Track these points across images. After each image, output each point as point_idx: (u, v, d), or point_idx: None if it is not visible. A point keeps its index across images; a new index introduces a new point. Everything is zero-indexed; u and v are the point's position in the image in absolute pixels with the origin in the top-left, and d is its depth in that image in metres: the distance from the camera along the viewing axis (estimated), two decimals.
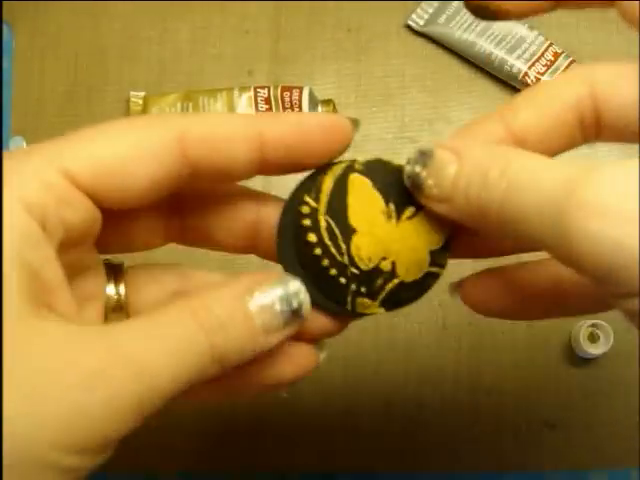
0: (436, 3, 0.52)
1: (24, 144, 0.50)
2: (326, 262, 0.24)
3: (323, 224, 0.23)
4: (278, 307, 0.22)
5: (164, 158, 0.21)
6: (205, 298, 0.21)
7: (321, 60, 0.52)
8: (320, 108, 0.50)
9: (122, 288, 0.25)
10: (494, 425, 0.47)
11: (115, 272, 0.25)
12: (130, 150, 0.21)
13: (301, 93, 0.49)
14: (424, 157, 0.22)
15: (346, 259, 0.23)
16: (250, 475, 0.48)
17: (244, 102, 0.50)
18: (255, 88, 0.50)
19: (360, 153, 0.24)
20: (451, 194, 0.22)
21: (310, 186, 0.24)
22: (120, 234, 0.24)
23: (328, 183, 0.24)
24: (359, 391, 0.48)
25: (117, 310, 0.25)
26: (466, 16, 0.51)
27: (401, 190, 0.23)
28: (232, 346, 0.21)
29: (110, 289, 0.25)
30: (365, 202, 0.23)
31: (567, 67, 0.50)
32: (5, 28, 0.53)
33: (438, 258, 0.24)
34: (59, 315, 0.20)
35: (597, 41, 0.52)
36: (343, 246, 0.23)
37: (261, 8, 0.53)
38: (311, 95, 0.50)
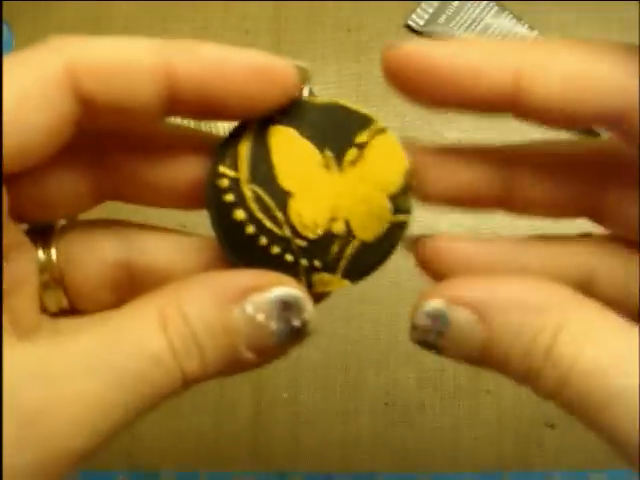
0: (436, 3, 0.52)
1: None
2: (264, 240, 0.19)
3: (249, 195, 0.19)
4: (274, 325, 0.18)
5: (54, 98, 0.17)
6: (179, 299, 0.17)
7: (321, 60, 0.52)
8: None
9: (53, 253, 0.20)
10: (494, 425, 0.47)
11: (43, 239, 0.20)
12: (12, 96, 0.17)
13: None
14: (437, 323, 0.18)
15: (287, 231, 0.19)
16: (250, 475, 0.48)
17: None
18: None
19: None
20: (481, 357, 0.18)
21: (225, 153, 0.19)
22: (35, 200, 0.20)
23: (245, 144, 0.19)
24: (359, 391, 0.48)
25: (51, 286, 0.20)
26: (466, 16, 0.51)
27: (335, 129, 0.19)
28: (209, 370, 0.18)
29: (40, 257, 0.20)
30: (295, 156, 0.19)
31: None
32: (5, 28, 0.52)
33: (401, 202, 0.20)
34: None
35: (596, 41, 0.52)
36: (280, 216, 0.19)
37: (261, 8, 0.53)
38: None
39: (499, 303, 0.17)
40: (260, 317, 0.18)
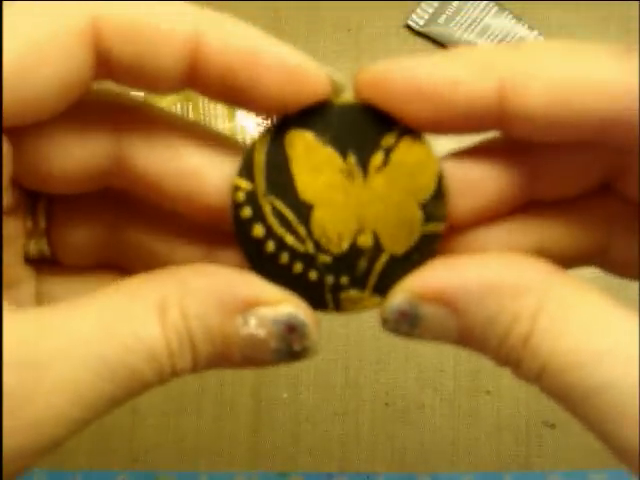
0: (436, 3, 0.52)
1: None
2: (285, 258, 0.18)
3: (268, 209, 0.18)
4: (273, 344, 0.17)
5: (74, 52, 0.16)
6: (182, 294, 0.16)
7: (321, 60, 0.52)
8: None
9: (42, 221, 0.19)
10: (494, 425, 0.47)
11: (34, 201, 0.19)
12: (30, 44, 0.15)
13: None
14: (408, 318, 0.17)
15: (310, 246, 0.18)
16: (250, 475, 0.48)
17: None
18: None
19: None
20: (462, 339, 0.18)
21: (240, 163, 0.18)
22: (32, 166, 0.18)
23: (261, 151, 0.18)
24: (359, 391, 0.48)
25: (35, 236, 0.19)
26: (466, 16, 0.51)
27: (358, 132, 0.18)
28: (197, 369, 0.17)
29: (28, 224, 0.19)
30: (315, 164, 0.18)
31: None
32: None
33: (433, 209, 0.18)
34: None
35: (596, 41, 0.52)
36: (302, 230, 0.18)
37: (261, 8, 0.53)
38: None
39: (470, 291, 0.16)
40: (261, 333, 0.17)
